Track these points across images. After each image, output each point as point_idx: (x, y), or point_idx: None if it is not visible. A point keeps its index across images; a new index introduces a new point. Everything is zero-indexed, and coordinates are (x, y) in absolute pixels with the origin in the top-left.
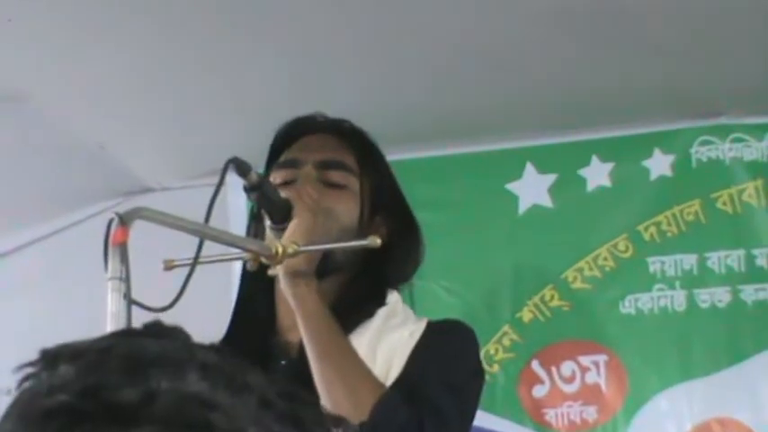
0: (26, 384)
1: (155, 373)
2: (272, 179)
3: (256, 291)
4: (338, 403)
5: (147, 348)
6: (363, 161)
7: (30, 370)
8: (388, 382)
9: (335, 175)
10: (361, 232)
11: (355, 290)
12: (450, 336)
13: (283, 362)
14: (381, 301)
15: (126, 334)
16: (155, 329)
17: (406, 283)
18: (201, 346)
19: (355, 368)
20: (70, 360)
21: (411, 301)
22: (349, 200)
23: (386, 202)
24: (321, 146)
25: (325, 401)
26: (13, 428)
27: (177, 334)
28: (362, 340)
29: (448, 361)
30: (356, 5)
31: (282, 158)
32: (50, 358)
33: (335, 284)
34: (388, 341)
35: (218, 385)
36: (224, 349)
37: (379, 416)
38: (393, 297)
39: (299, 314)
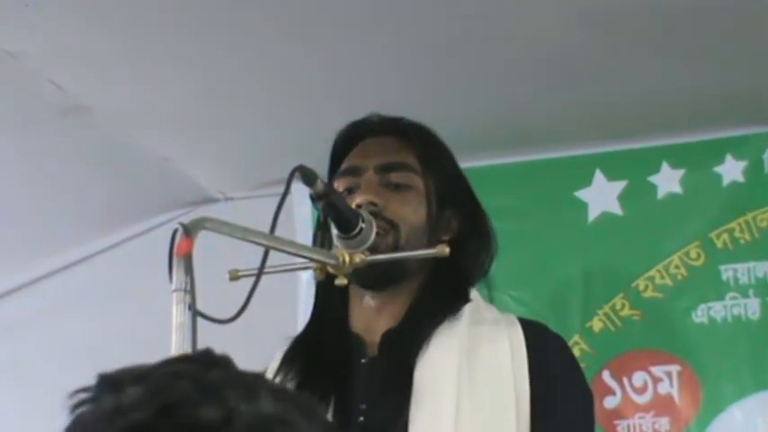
0: (84, 408)
1: (230, 395)
2: None
3: (332, 297)
4: None
5: (212, 372)
6: (425, 158)
7: (85, 395)
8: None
9: (398, 177)
10: (432, 230)
11: (436, 286)
12: (570, 377)
13: (363, 360)
14: (465, 297)
15: (182, 360)
16: (206, 358)
17: (484, 277)
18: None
19: None
20: (136, 382)
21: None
22: (415, 200)
23: (453, 194)
24: (380, 149)
25: None
26: None
27: (227, 364)
28: (453, 345)
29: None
30: (428, 14)
31: (343, 167)
32: (112, 381)
33: (414, 285)
34: (485, 356)
35: (292, 408)
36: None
37: None
38: (473, 293)
39: None
